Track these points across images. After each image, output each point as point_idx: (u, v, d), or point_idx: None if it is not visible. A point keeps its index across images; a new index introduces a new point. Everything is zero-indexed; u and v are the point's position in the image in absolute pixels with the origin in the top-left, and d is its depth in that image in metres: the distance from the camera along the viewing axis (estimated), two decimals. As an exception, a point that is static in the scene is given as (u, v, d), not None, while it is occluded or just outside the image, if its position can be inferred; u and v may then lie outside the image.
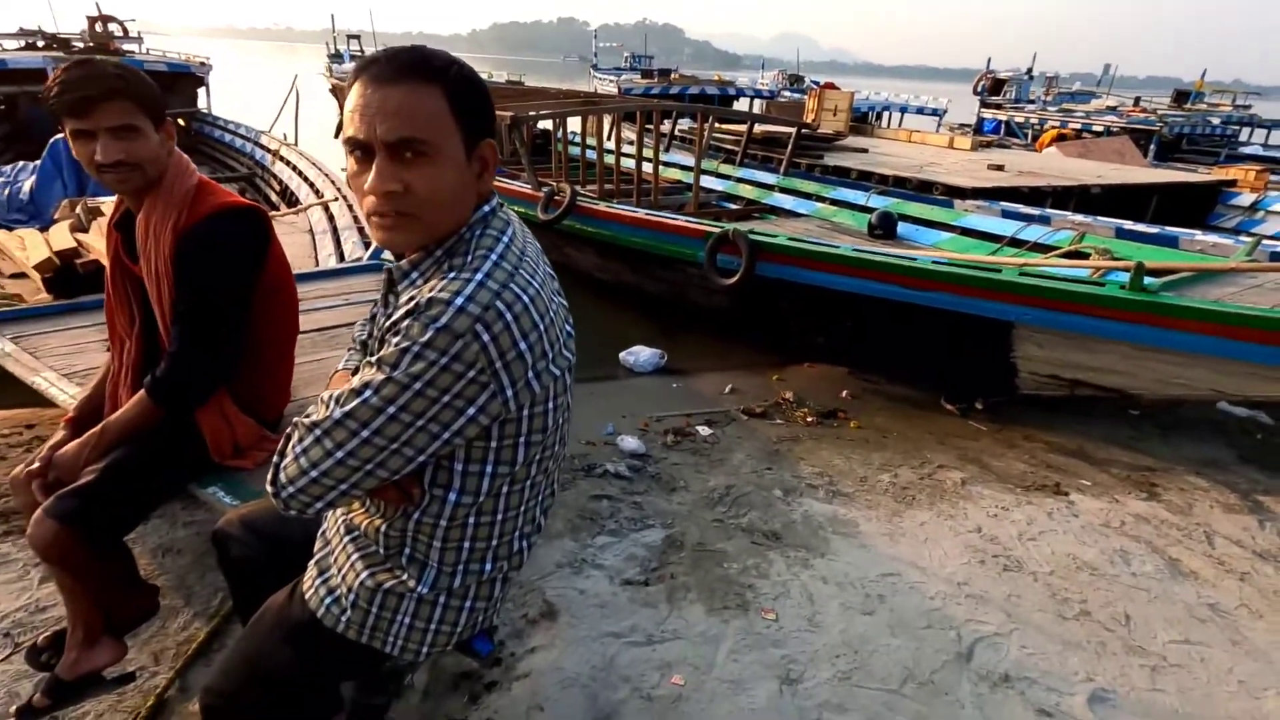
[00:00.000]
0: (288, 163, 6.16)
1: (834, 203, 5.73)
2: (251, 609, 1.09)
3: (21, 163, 5.11)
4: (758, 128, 7.54)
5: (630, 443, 2.90)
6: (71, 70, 1.28)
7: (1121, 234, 4.52)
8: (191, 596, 1.92)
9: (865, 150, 8.39)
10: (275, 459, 0.88)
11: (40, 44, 11.58)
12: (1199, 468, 2.91)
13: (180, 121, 10.01)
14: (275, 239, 1.52)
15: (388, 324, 0.82)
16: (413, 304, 0.80)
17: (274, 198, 6.24)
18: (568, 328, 0.96)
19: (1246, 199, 7.02)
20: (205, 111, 10.19)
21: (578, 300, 4.66)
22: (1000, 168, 7.21)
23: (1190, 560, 2.29)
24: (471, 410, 0.82)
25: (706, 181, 6.48)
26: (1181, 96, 17.65)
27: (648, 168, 5.57)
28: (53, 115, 1.31)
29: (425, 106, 0.80)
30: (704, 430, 3.13)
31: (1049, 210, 5.32)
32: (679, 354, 4.16)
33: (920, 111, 17.78)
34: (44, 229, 3.86)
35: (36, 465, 1.39)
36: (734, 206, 6.20)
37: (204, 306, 1.37)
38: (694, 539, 2.30)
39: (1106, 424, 3.30)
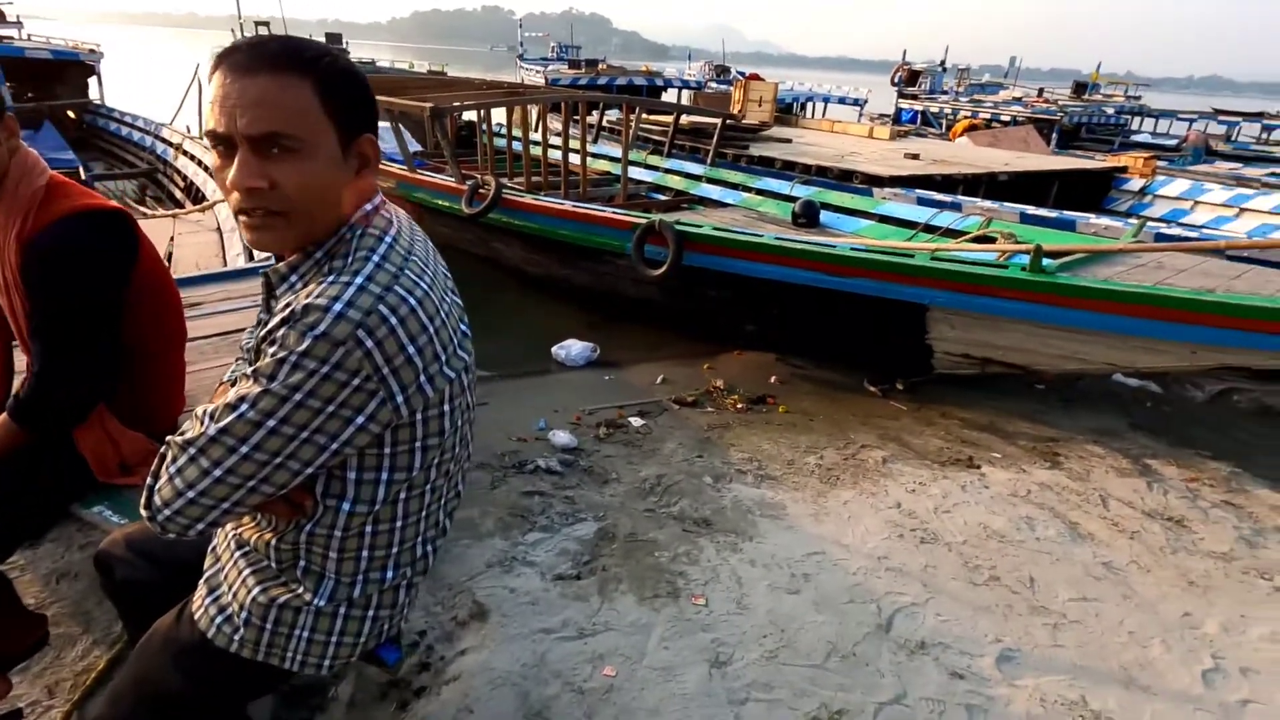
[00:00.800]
0: (192, 157, 5.82)
1: (759, 192, 5.83)
2: (142, 629, 1.03)
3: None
4: (685, 119, 7.59)
5: (562, 437, 2.89)
6: None
7: (1026, 219, 4.79)
8: (90, 623, 1.80)
9: (789, 140, 8.57)
10: (149, 480, 0.83)
11: None
12: (1096, 436, 3.12)
13: (70, 114, 9.31)
14: (145, 240, 1.41)
15: (263, 333, 0.78)
16: (289, 311, 0.76)
17: (179, 194, 5.90)
18: (463, 327, 0.94)
19: (1136, 184, 7.54)
20: (98, 103, 9.51)
21: (506, 295, 4.56)
22: (916, 156, 7.50)
23: (1088, 523, 2.45)
24: (361, 419, 0.79)
25: (635, 173, 6.49)
26: (1080, 88, 18.76)
27: (575, 159, 5.53)
28: None
29: (292, 99, 0.77)
30: (636, 421, 3.15)
31: (960, 197, 5.58)
32: (611, 346, 4.16)
33: (842, 101, 18.29)
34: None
35: None
36: (663, 197, 6.23)
37: (61, 317, 1.26)
38: (626, 530, 2.31)
39: (1014, 399, 3.50)
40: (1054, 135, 13.03)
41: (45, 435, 1.32)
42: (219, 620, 0.92)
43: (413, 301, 0.80)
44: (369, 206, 0.87)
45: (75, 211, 1.28)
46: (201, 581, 0.97)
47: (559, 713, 1.61)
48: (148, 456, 1.44)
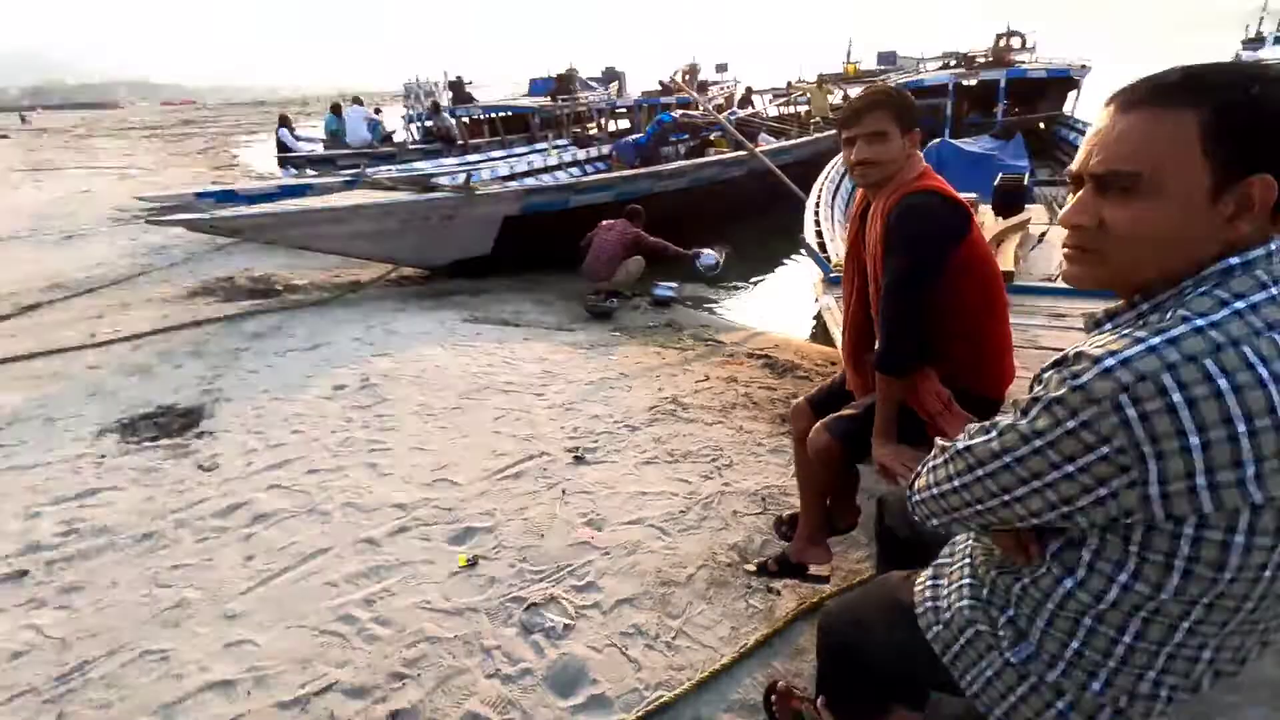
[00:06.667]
0: None
1: None
2: (886, 569, 1.22)
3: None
4: None
5: None
6: (858, 93, 1.62)
7: None
8: (870, 539, 2.24)
9: None
10: (920, 467, 0.93)
11: (952, 63, 13.84)
12: None
13: (1041, 125, 10.40)
14: (975, 224, 1.56)
15: (1044, 368, 0.75)
16: (1064, 355, 0.71)
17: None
18: None
19: None
20: (1068, 115, 10.23)
21: None
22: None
23: None
24: (1101, 491, 0.69)
25: None
26: None
27: None
28: (838, 128, 1.67)
29: (1153, 134, 0.68)
30: None
31: None
32: None
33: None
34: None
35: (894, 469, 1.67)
36: None
37: (900, 270, 1.51)
38: None
39: None
40: None
41: (899, 377, 1.59)
42: (929, 605, 1.00)
43: (1223, 383, 0.62)
44: (1235, 260, 0.69)
45: (924, 189, 1.55)
46: (934, 563, 1.07)
47: None
48: (945, 409, 1.60)
